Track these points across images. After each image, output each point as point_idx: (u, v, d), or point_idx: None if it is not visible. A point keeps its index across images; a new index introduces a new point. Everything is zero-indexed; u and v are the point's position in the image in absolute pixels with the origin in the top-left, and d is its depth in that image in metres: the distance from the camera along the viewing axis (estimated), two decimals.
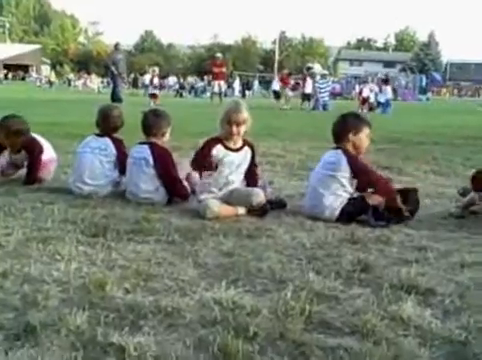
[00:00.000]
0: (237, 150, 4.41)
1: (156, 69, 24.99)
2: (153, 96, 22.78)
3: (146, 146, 4.68)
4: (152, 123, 4.75)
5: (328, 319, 2.37)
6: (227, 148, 4.36)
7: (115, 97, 20.39)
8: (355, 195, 4.24)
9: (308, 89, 23.85)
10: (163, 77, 67.27)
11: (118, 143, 4.94)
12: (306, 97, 24.12)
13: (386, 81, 25.25)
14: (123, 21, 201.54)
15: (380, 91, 24.50)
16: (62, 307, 2.40)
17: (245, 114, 4.30)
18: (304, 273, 2.91)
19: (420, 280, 2.82)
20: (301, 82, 25.61)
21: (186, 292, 2.62)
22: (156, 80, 23.59)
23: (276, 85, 26.25)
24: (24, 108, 12.38)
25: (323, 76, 24.16)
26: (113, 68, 20.80)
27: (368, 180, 4.26)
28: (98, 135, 5.00)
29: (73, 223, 3.79)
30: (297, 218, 4.17)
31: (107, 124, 4.99)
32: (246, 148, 4.47)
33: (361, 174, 4.24)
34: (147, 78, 30.59)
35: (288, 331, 2.23)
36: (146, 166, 4.60)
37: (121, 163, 4.87)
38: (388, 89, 23.88)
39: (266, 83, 55.39)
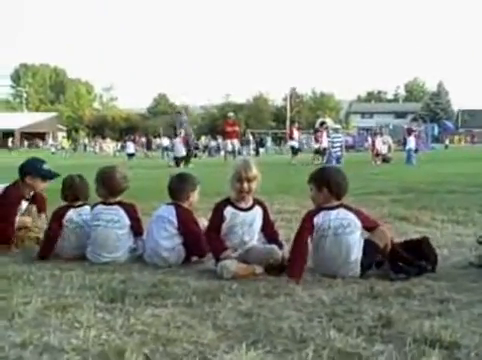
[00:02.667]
0: (247, 209, 4.43)
1: (182, 131, 25.54)
2: (182, 159, 23.88)
3: (172, 207, 4.75)
4: (177, 187, 4.83)
5: None
6: (237, 208, 4.40)
7: (181, 159, 21.39)
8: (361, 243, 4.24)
9: (324, 143, 24.12)
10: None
11: (130, 210, 4.85)
12: (320, 152, 24.37)
13: (409, 132, 25.47)
14: (137, 85, 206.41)
15: (404, 143, 24.93)
16: None
17: (254, 171, 4.35)
18: (325, 331, 2.86)
19: (444, 333, 2.75)
20: (316, 137, 25.89)
21: (206, 356, 2.58)
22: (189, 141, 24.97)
23: (292, 141, 26.52)
24: None
25: (335, 130, 24.39)
26: (181, 130, 21.55)
27: (370, 224, 4.25)
28: (106, 203, 4.85)
29: (91, 289, 3.78)
30: (315, 275, 4.11)
31: (112, 188, 4.82)
32: (257, 207, 4.48)
33: (367, 222, 4.24)
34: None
35: None
36: (169, 224, 4.64)
37: (136, 228, 4.87)
38: (412, 140, 24.07)
39: (279, 139, 55.99)
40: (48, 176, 5.46)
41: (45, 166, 5.48)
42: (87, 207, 5.00)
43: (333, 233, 4.14)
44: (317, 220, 4.20)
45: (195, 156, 40.70)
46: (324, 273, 4.14)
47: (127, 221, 4.82)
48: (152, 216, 4.89)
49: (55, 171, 5.59)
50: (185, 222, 4.68)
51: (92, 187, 5.08)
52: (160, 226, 4.70)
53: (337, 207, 4.25)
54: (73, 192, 5.02)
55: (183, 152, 24.07)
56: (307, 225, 4.19)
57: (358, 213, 4.28)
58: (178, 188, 4.84)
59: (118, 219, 4.80)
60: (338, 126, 26.50)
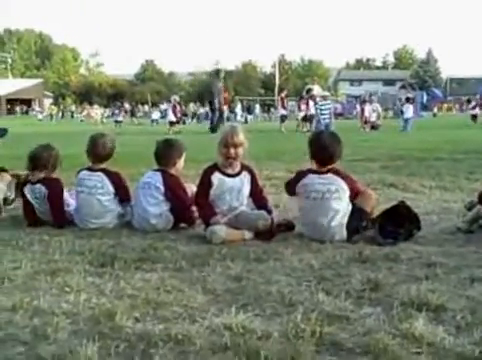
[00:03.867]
0: (235, 175, 4.47)
1: (177, 98, 25.97)
2: (172, 124, 23.83)
3: (158, 173, 4.75)
4: (163, 153, 4.83)
5: (340, 340, 2.36)
6: (224, 174, 4.43)
7: (216, 128, 20.91)
8: (349, 207, 4.29)
9: (311, 110, 24.04)
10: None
11: (114, 177, 4.84)
12: (307, 119, 24.31)
13: (408, 100, 25.48)
14: (123, 51, 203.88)
15: (401, 111, 24.95)
16: (72, 339, 2.39)
17: (241, 137, 4.39)
18: (313, 295, 2.89)
19: (430, 297, 2.79)
20: (299, 105, 25.87)
21: (196, 319, 2.61)
22: (178, 108, 24.78)
23: (281, 110, 26.48)
24: (28, 141, 12.71)
25: (324, 97, 24.24)
26: (217, 99, 21.31)
27: (357, 189, 4.31)
28: (91, 170, 4.87)
29: (81, 254, 3.79)
30: (304, 240, 4.17)
31: (97, 153, 4.83)
32: (244, 172, 4.52)
33: (356, 189, 4.29)
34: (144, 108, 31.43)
35: (300, 354, 2.22)
36: (155, 191, 4.66)
37: (122, 195, 4.87)
38: (410, 108, 23.94)
39: (267, 107, 55.62)
40: None
41: None
42: (38, 186, 4.87)
43: (320, 197, 4.19)
44: (304, 181, 4.28)
45: (183, 123, 40.59)
46: (312, 237, 4.19)
47: (111, 188, 4.81)
48: (139, 182, 4.88)
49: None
50: (172, 188, 4.68)
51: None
52: (147, 193, 4.70)
53: (326, 172, 4.26)
54: (35, 163, 4.92)
55: (172, 117, 24.35)
56: (293, 181, 4.39)
57: (347, 179, 4.29)
58: (164, 154, 4.82)
59: (101, 186, 4.79)
60: (327, 93, 26.26)
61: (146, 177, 4.83)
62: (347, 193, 4.22)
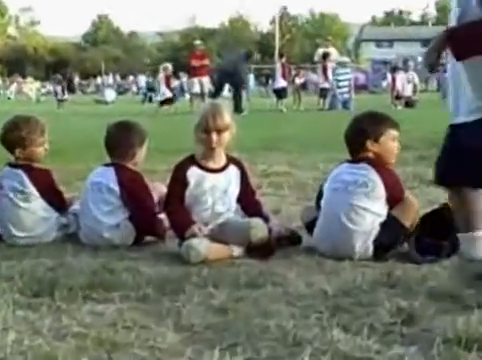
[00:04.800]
0: (219, 170, 4.49)
1: (169, 66, 25.95)
2: (166, 102, 24.05)
3: (111, 169, 4.74)
4: (118, 141, 4.81)
5: None
6: (204, 169, 4.44)
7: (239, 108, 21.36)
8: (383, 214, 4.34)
9: (327, 82, 24.08)
10: (124, 76, 67.39)
11: (36, 175, 4.82)
12: (323, 94, 24.34)
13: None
14: (67, 5, 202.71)
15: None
16: None
17: (226, 118, 4.39)
18: (326, 330, 2.86)
19: None
20: (298, 73, 25.90)
21: None
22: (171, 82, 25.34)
23: (280, 81, 26.37)
24: None
25: (341, 64, 24.26)
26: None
27: (398, 193, 4.36)
28: (12, 166, 4.87)
29: (9, 279, 3.73)
30: (314, 257, 4.16)
31: (10, 142, 4.81)
32: (232, 167, 4.54)
33: (398, 194, 4.33)
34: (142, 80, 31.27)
35: None
36: (109, 194, 4.66)
37: (53, 202, 4.85)
38: None
39: (265, 78, 55.48)
40: None
41: None
42: None
43: (343, 188, 4.27)
44: (333, 172, 4.48)
45: (150, 100, 40.47)
46: (324, 252, 4.22)
47: (34, 191, 4.79)
48: (86, 183, 4.88)
49: None
50: (131, 189, 4.67)
51: None
52: (97, 197, 4.69)
53: (360, 161, 4.36)
54: None
55: (168, 93, 24.52)
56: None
57: (385, 173, 4.30)
58: (119, 142, 4.81)
59: (21, 189, 4.76)
60: (345, 59, 26.28)
61: (95, 175, 4.83)
62: (381, 192, 4.22)
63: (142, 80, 54.26)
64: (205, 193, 4.41)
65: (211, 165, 4.47)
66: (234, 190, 4.53)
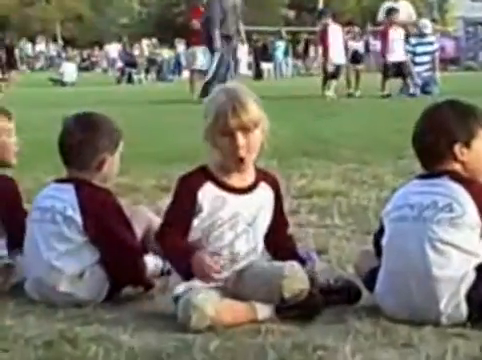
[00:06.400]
0: (246, 191, 4.29)
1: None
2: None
3: (69, 187, 4.54)
4: (78, 144, 4.64)
5: None
6: (225, 188, 4.24)
7: (218, 78, 20.23)
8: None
9: (396, 55, 23.96)
10: (94, 45, 67.30)
11: None
12: (388, 72, 24.14)
13: None
14: None
15: None
16: None
17: (254, 109, 4.21)
18: None
19: None
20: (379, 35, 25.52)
21: None
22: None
23: (339, 56, 25.09)
24: None
25: (421, 30, 24.24)
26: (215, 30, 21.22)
27: None
28: None
29: None
30: (378, 322, 3.93)
31: None
32: (263, 185, 4.34)
33: None
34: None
35: None
36: (67, 226, 4.43)
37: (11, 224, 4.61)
38: None
39: (305, 44, 55.34)
40: None
41: None
42: None
43: (415, 217, 4.09)
44: (397, 194, 4.39)
45: (129, 79, 40.68)
46: (394, 312, 4.02)
47: None
48: (31, 210, 4.60)
49: None
50: (100, 218, 4.45)
51: None
52: (49, 230, 4.45)
53: (437, 176, 4.19)
54: None
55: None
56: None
57: (479, 196, 4.08)
58: (80, 147, 4.62)
59: None
60: (426, 21, 26.29)
61: (45, 197, 4.59)
62: (475, 219, 4.03)
63: (112, 50, 54.55)
64: (224, 224, 4.24)
65: (235, 182, 4.31)
66: (264, 221, 4.32)
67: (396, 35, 21.45)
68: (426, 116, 4.28)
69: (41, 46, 57.92)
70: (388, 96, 21.43)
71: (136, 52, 45.77)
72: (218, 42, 21.25)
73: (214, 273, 4.00)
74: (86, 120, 4.71)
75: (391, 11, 21.95)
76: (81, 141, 4.56)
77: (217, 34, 20.96)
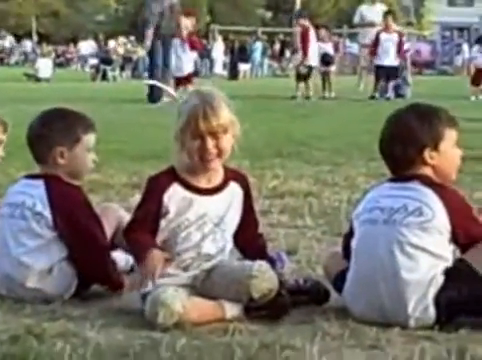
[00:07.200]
0: (213, 191, 4.30)
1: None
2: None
3: (39, 182, 4.54)
4: (45, 138, 4.62)
5: None
6: (192, 189, 4.24)
7: (152, 98, 20.58)
8: (450, 261, 3.99)
9: (387, 59, 23.83)
10: (70, 42, 67.38)
11: None
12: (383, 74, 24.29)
13: None
14: None
15: None
16: None
17: (225, 113, 4.21)
18: None
19: None
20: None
21: None
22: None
23: (313, 58, 24.25)
24: None
25: (398, 33, 24.48)
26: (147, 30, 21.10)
27: (475, 229, 4.12)
28: None
29: None
30: (346, 323, 3.94)
31: None
32: (232, 185, 4.34)
33: (470, 227, 4.13)
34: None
35: None
36: (36, 221, 4.44)
37: None
38: None
39: (281, 44, 55.42)
40: None
41: None
42: None
43: (384, 220, 4.09)
44: (367, 197, 4.39)
45: (103, 76, 40.67)
46: (362, 314, 4.04)
47: None
48: (2, 204, 4.58)
49: None
50: (70, 214, 4.45)
51: None
52: (17, 227, 4.46)
53: (409, 179, 4.21)
54: None
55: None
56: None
57: (450, 200, 4.08)
58: (37, 140, 4.64)
59: None
60: (402, 28, 26.52)
61: (14, 194, 4.60)
62: (444, 224, 4.03)
63: (88, 47, 54.51)
64: (190, 225, 4.23)
65: (202, 183, 4.30)
66: (232, 221, 4.31)
67: (389, 38, 20.98)
68: (391, 124, 4.31)
69: (11, 40, 57.04)
70: (373, 98, 22.43)
71: (111, 47, 45.49)
72: (148, 42, 21.55)
73: (151, 275, 4.07)
74: (47, 115, 4.70)
75: (387, 14, 22.34)
76: (38, 135, 4.60)
77: (149, 34, 21.23)
